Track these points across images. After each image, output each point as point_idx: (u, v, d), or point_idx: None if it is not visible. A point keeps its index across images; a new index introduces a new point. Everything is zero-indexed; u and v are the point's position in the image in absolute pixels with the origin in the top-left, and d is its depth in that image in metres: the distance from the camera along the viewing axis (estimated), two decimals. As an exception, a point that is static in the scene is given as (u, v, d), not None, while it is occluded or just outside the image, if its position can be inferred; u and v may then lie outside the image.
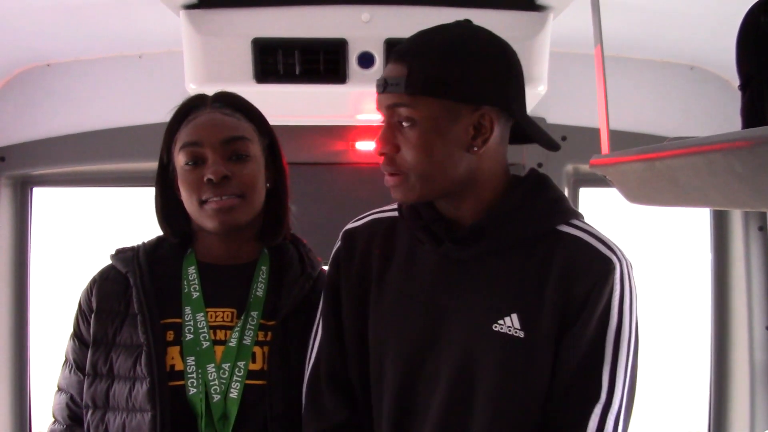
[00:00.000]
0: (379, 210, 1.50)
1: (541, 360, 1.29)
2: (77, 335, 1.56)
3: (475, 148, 1.30)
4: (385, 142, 1.30)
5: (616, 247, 1.33)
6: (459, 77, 1.27)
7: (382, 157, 1.31)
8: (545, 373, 1.29)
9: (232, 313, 1.51)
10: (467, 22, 1.36)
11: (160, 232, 1.61)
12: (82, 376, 1.52)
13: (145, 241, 1.61)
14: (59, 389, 1.58)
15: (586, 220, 1.39)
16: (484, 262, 1.33)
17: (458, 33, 1.31)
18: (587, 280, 1.28)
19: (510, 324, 1.29)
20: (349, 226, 1.50)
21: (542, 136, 1.38)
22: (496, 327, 1.29)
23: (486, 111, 1.28)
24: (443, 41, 1.29)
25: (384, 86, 1.29)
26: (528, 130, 1.36)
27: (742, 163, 0.79)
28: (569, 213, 1.37)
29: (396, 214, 1.45)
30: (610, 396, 1.27)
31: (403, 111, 1.27)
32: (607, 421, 1.26)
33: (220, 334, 1.48)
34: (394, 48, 1.34)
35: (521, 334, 1.28)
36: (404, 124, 1.28)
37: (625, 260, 1.33)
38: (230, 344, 1.47)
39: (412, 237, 1.40)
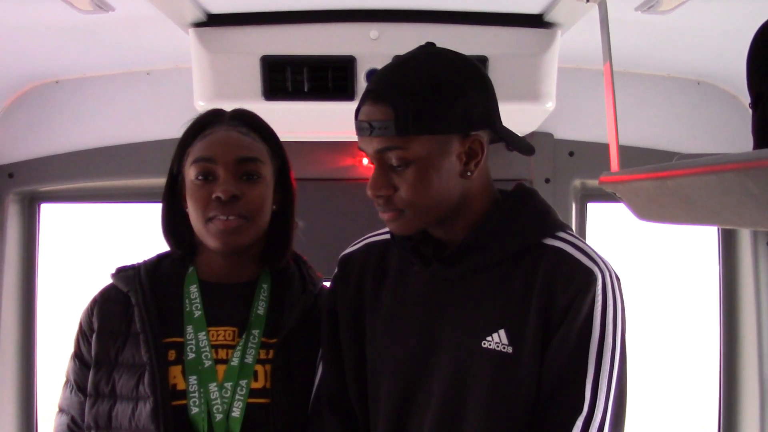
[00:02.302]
0: (374, 234, 1.52)
1: (529, 374, 1.29)
2: (78, 356, 1.55)
3: (469, 173, 1.31)
4: (381, 185, 1.29)
5: (600, 259, 1.33)
6: (447, 110, 1.26)
7: (378, 199, 1.31)
8: (533, 387, 1.30)
9: (234, 331, 1.50)
10: (430, 45, 1.35)
11: (165, 248, 1.60)
12: (83, 397, 1.51)
13: (146, 259, 1.60)
14: (60, 410, 1.57)
15: (573, 233, 1.39)
16: (471, 280, 1.34)
17: (432, 64, 1.29)
18: (568, 292, 1.28)
19: (498, 340, 1.30)
20: (346, 251, 1.53)
21: (520, 143, 1.38)
22: (485, 344, 1.30)
23: (476, 136, 1.30)
24: (422, 76, 1.27)
25: (370, 130, 1.27)
26: (508, 141, 1.36)
27: (756, 183, 0.79)
28: (555, 226, 1.37)
29: (389, 236, 1.47)
30: (592, 408, 1.26)
31: (395, 154, 1.26)
32: None
33: (222, 353, 1.47)
34: (368, 89, 1.31)
35: (509, 350, 1.29)
36: (397, 165, 1.27)
37: (609, 272, 1.32)
38: (232, 363, 1.46)
39: (403, 258, 1.42)
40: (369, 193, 1.31)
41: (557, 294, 1.28)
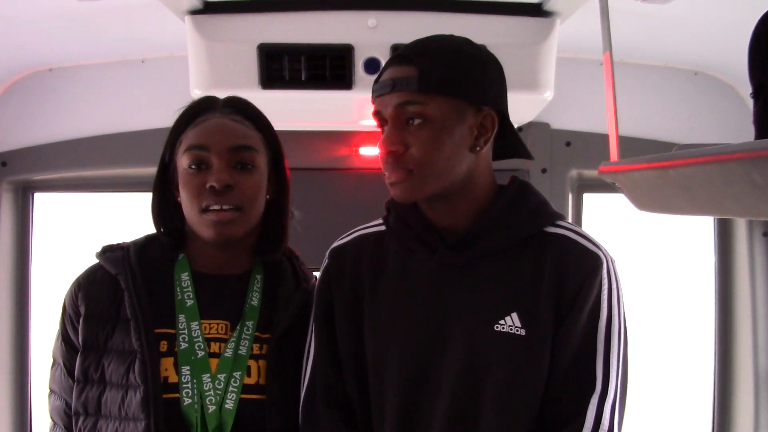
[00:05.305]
0: (363, 227, 1.52)
1: (542, 355, 1.33)
2: (65, 339, 1.51)
3: (478, 148, 1.35)
4: (394, 140, 1.32)
5: (600, 244, 1.39)
6: (466, 79, 1.32)
7: (389, 156, 1.33)
8: (546, 367, 1.33)
9: (226, 325, 1.47)
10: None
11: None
12: (72, 382, 1.48)
13: (135, 240, 1.56)
14: (52, 391, 1.54)
15: (568, 221, 1.44)
16: (479, 266, 1.37)
17: (458, 39, 1.37)
18: (578, 276, 1.34)
19: (511, 323, 1.33)
20: (336, 244, 1.52)
21: (523, 147, 1.44)
22: (498, 327, 1.33)
23: (488, 112, 1.33)
24: (447, 46, 1.34)
25: (392, 86, 1.31)
26: (511, 138, 1.42)
27: (760, 173, 0.78)
28: (554, 215, 1.42)
29: (381, 228, 1.48)
30: (605, 386, 1.31)
31: (414, 108, 1.30)
32: (604, 409, 1.30)
33: (214, 347, 1.45)
34: (394, 56, 1.37)
35: (522, 332, 1.32)
36: (414, 121, 1.31)
37: (610, 256, 1.38)
38: (225, 355, 1.43)
39: (403, 248, 1.43)
40: (380, 149, 1.34)
41: (568, 277, 1.33)
